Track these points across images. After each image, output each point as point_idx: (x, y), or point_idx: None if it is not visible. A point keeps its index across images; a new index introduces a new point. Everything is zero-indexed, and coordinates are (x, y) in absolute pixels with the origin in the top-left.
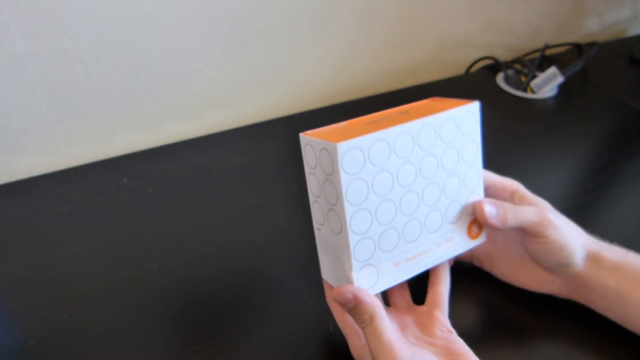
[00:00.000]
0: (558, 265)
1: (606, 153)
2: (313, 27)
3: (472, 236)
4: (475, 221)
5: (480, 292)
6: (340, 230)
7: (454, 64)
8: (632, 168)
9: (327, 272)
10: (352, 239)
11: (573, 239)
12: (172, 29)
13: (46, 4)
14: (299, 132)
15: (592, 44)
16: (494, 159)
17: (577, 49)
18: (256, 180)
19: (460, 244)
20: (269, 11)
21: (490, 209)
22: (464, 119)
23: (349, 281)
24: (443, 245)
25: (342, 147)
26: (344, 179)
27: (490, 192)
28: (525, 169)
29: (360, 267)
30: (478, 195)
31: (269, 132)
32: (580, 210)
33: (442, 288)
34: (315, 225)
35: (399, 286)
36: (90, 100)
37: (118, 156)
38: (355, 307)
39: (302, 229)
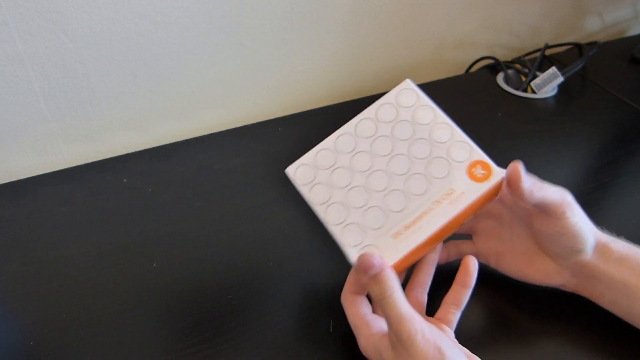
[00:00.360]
0: (569, 252)
1: (606, 153)
2: (313, 27)
3: (479, 179)
4: (476, 164)
5: (483, 293)
6: (328, 229)
7: (454, 64)
8: (632, 168)
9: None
10: (335, 230)
11: (587, 227)
12: (171, 28)
13: (46, 4)
14: (299, 132)
15: (592, 44)
16: (494, 159)
17: (577, 48)
18: (256, 180)
19: (468, 191)
20: (268, 10)
21: (525, 174)
22: (401, 97)
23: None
24: (445, 200)
25: (290, 169)
26: (303, 190)
27: None
28: (525, 169)
29: (358, 251)
30: (462, 141)
31: (269, 132)
32: None
33: (455, 309)
34: None
35: (416, 295)
36: (90, 100)
37: (118, 156)
38: (379, 274)
39: (302, 229)
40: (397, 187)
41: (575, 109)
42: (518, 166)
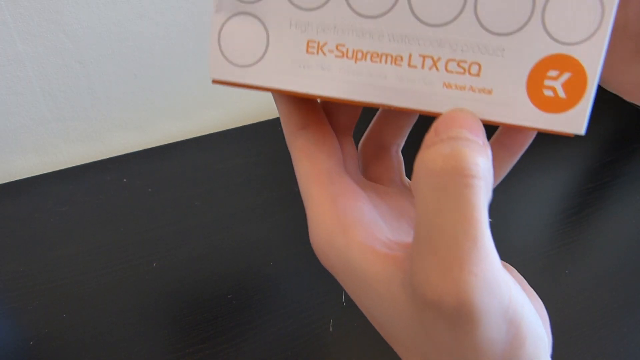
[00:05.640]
0: None
1: (606, 153)
2: None
3: (542, 103)
4: (558, 60)
5: None
6: None
7: None
8: (632, 168)
9: None
10: None
11: None
12: (171, 28)
13: (46, 4)
14: None
15: None
16: None
17: None
18: (256, 180)
19: (511, 104)
20: None
21: None
22: None
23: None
24: (460, 77)
25: None
26: None
27: None
28: (525, 169)
29: (232, 14)
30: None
31: (269, 132)
32: (580, 211)
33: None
34: None
35: (390, 151)
36: (90, 100)
37: (118, 156)
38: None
39: (302, 229)
40: None
41: None
42: None
